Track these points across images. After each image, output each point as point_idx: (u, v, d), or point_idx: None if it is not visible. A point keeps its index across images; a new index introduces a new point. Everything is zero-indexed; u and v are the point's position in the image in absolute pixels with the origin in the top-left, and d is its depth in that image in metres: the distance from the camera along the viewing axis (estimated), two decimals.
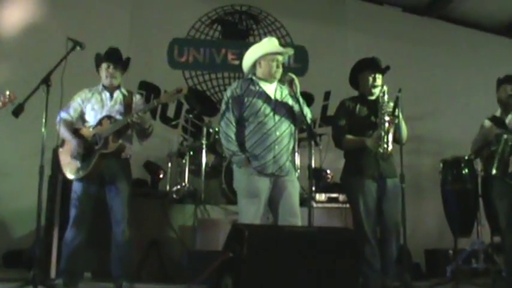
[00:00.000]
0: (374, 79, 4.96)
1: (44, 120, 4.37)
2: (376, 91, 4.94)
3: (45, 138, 4.41)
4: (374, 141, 4.70)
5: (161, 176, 6.80)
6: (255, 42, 5.08)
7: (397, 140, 4.78)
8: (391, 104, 4.73)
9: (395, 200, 4.78)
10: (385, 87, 4.82)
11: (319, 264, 3.60)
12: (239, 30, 8.33)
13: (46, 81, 4.39)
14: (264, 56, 4.62)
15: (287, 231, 3.85)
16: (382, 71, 5.02)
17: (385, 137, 4.66)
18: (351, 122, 4.95)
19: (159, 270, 5.70)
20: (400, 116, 4.79)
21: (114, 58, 5.00)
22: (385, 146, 4.65)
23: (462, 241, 6.07)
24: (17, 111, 4.36)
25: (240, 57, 7.76)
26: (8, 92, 4.66)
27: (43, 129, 4.38)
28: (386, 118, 4.68)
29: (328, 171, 6.69)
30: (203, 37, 8.24)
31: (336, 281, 3.63)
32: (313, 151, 4.54)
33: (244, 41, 8.21)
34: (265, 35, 7.95)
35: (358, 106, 4.98)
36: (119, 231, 4.80)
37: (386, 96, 4.78)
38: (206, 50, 8.20)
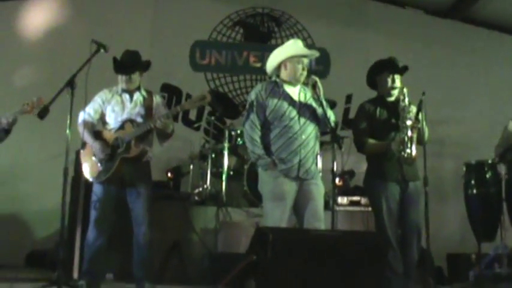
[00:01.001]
0: (393, 80, 4.87)
1: (68, 122, 4.35)
2: (395, 92, 4.86)
3: (70, 140, 4.39)
4: (397, 145, 4.66)
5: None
6: (276, 44, 5.06)
7: (419, 142, 4.72)
8: (414, 108, 4.68)
9: (417, 203, 4.74)
10: (405, 90, 4.76)
11: (344, 268, 3.58)
12: (261, 33, 8.34)
13: (71, 83, 4.37)
14: (289, 58, 4.54)
15: (312, 235, 3.84)
16: (400, 72, 4.93)
17: (409, 142, 4.61)
18: (372, 125, 4.88)
19: (180, 272, 5.71)
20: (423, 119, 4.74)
21: (125, 66, 4.93)
22: (409, 151, 4.60)
23: (485, 245, 6.00)
24: (43, 114, 4.32)
25: (262, 59, 7.90)
26: (35, 99, 4.75)
27: (67, 131, 4.35)
28: (409, 123, 4.63)
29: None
30: (225, 39, 8.27)
31: (361, 286, 3.61)
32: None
33: (265, 44, 8.24)
34: (287, 38, 7.97)
35: (378, 109, 4.90)
36: (140, 233, 4.80)
37: (407, 100, 4.72)
38: (228, 52, 8.24)
